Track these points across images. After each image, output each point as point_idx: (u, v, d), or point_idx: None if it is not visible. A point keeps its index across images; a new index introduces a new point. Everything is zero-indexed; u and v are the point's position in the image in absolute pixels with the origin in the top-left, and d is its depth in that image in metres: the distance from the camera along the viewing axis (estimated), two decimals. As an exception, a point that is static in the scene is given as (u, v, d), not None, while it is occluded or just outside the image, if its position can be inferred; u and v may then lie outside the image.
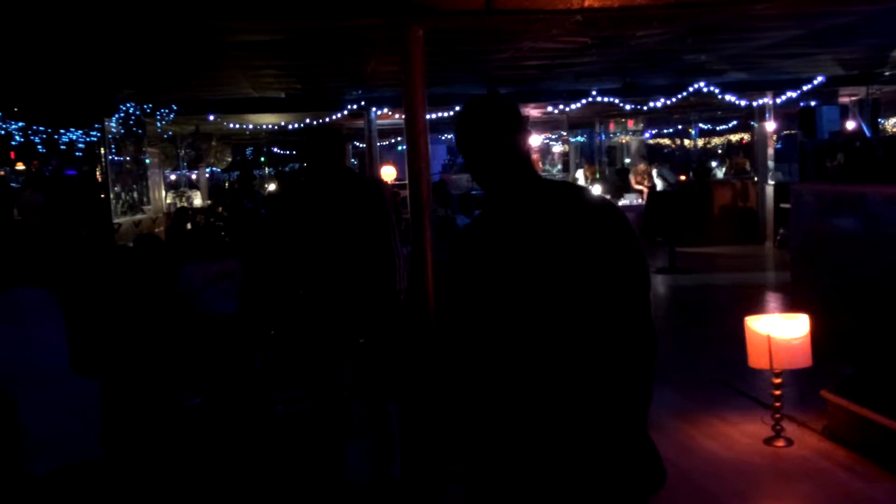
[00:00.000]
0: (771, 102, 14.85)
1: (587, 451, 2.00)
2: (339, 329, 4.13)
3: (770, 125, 15.20)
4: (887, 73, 13.25)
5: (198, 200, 18.41)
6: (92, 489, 4.57)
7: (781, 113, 15.65)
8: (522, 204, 2.08)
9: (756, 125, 15.69)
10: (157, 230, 14.43)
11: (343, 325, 4.13)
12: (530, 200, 2.08)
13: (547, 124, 19.46)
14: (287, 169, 29.53)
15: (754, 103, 15.02)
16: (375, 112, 13.87)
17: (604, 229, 2.04)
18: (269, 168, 27.61)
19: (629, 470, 2.03)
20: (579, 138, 21.94)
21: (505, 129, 2.12)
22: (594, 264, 2.00)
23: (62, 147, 14.58)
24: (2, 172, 17.06)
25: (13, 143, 14.05)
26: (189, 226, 11.30)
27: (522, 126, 2.17)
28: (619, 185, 16.84)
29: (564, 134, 20.53)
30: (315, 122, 14.49)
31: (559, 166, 21.61)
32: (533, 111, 17.12)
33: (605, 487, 2.00)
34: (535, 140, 19.63)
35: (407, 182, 6.66)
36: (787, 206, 10.65)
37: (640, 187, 15.57)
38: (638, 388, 2.06)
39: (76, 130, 14.04)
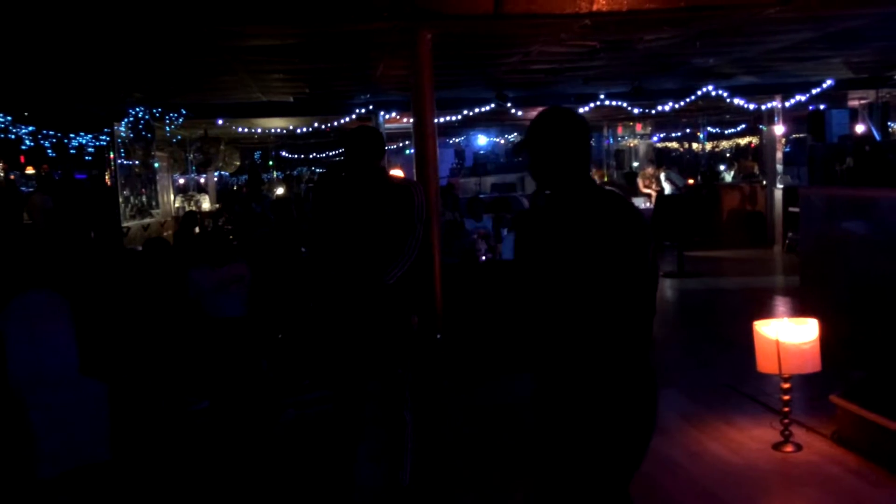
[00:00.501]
0: (780, 106, 14.80)
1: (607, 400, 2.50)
2: (351, 336, 4.08)
3: (779, 129, 15.15)
4: (897, 77, 13.20)
5: (206, 204, 18.48)
6: (100, 493, 4.58)
7: (790, 116, 15.59)
8: (574, 206, 2.50)
9: (765, 129, 15.64)
10: (165, 234, 14.49)
11: (355, 332, 4.06)
12: (580, 204, 2.50)
13: (555, 128, 19.42)
14: (295, 173, 29.45)
15: (763, 107, 14.98)
16: (384, 116, 13.89)
17: (623, 234, 2.44)
18: (277, 172, 27.67)
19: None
20: (587, 142, 21.89)
21: (573, 140, 2.51)
22: (610, 260, 2.41)
23: (72, 151, 14.67)
24: (12, 176, 17.14)
25: (23, 147, 14.13)
26: (197, 230, 11.33)
27: (587, 139, 2.55)
28: (628, 188, 16.79)
29: (572, 137, 20.50)
30: (323, 126, 14.53)
31: (567, 170, 21.58)
32: (541, 115, 17.12)
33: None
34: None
35: (415, 186, 6.67)
36: (795, 209, 10.62)
37: (648, 191, 15.54)
38: (634, 357, 2.52)
39: (86, 135, 14.12)
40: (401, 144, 22.63)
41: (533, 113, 15.57)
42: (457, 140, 24.61)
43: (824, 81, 13.41)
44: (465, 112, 13.69)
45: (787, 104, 14.62)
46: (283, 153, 27.00)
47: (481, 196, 13.94)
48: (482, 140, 22.94)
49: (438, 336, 6.30)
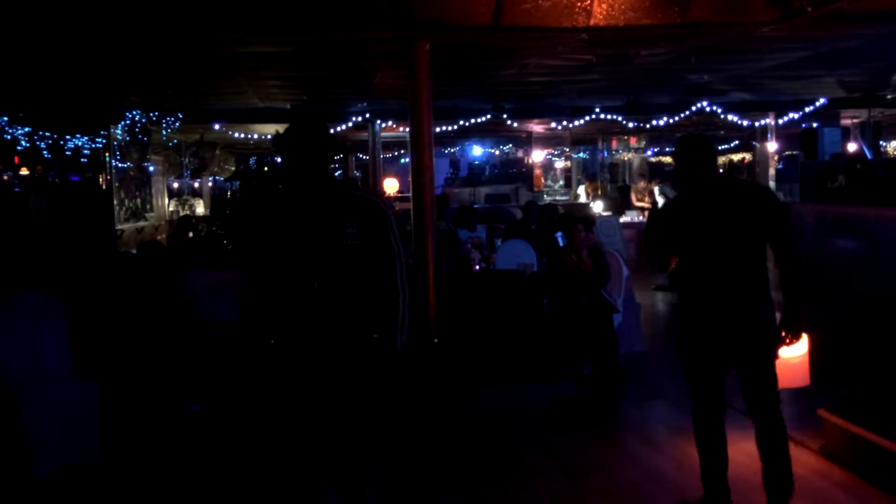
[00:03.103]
0: (773, 123, 14.92)
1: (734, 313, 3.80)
2: (317, 393, 3.23)
3: (772, 145, 15.26)
4: (889, 97, 13.34)
5: (200, 209, 18.48)
6: (91, 494, 4.58)
7: (783, 133, 15.71)
8: (706, 190, 3.85)
9: (758, 145, 15.76)
10: (159, 237, 14.48)
11: (323, 389, 3.22)
12: (711, 187, 3.85)
13: (550, 140, 19.55)
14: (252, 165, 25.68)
15: (756, 123, 15.10)
16: (380, 124, 13.94)
17: (755, 200, 3.79)
18: (271, 178, 27.50)
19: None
20: (582, 154, 22.03)
21: (711, 153, 3.91)
22: (748, 218, 3.73)
23: (67, 153, 14.64)
24: (6, 177, 17.09)
25: (19, 148, 14.10)
26: (191, 234, 11.34)
27: (715, 150, 3.96)
28: (621, 202, 16.88)
29: (567, 150, 20.62)
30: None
31: (561, 181, 21.67)
32: (536, 126, 17.21)
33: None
34: (538, 155, 19.72)
35: (411, 195, 6.72)
36: (787, 226, 10.64)
37: (641, 204, 15.61)
38: (796, 276, 3.80)
39: (82, 137, 14.10)
40: (396, 153, 22.69)
41: (528, 124, 15.70)
42: (452, 150, 24.68)
43: (817, 100, 13.54)
44: (462, 122, 13.75)
45: (780, 121, 14.74)
46: (279, 159, 26.73)
47: (475, 206, 13.99)
48: (477, 150, 23.02)
49: (436, 341, 6.29)
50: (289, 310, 3.20)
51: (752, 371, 3.87)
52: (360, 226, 3.15)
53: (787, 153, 19.13)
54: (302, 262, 3.15)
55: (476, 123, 13.81)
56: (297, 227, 3.17)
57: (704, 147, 3.91)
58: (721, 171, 24.14)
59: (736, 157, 24.16)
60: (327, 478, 3.41)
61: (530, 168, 20.24)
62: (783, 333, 3.81)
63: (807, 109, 13.76)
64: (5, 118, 12.47)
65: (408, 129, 6.71)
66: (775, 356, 3.87)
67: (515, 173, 24.69)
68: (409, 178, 6.71)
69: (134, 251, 9.13)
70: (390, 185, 17.70)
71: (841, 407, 4.76)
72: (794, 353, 4.58)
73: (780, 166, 17.48)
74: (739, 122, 14.55)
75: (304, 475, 3.32)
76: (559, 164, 22.10)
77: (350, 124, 13.71)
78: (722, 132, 20.19)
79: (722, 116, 13.95)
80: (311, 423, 3.26)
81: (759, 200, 3.79)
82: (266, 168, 26.78)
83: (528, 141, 19.72)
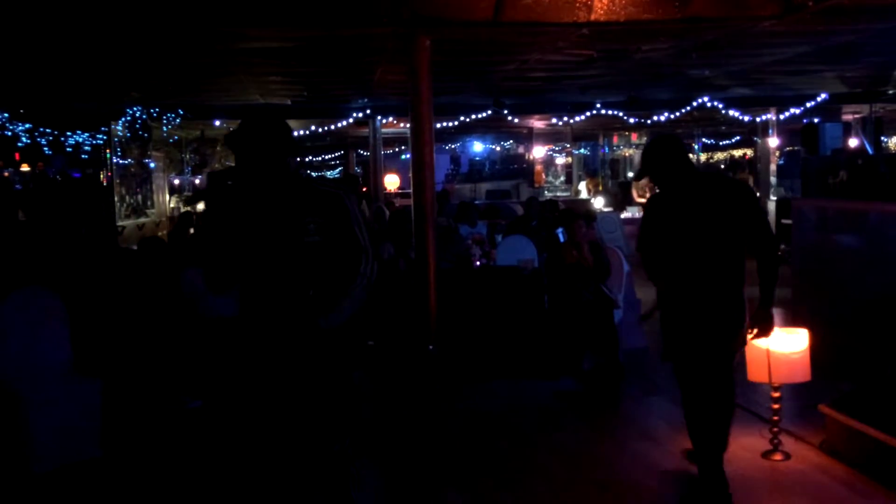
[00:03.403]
0: (774, 118, 14.89)
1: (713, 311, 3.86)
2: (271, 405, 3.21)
3: (773, 141, 15.24)
4: (891, 92, 13.32)
5: (201, 205, 18.46)
6: (92, 489, 4.59)
7: (785, 129, 15.69)
8: (681, 188, 3.92)
9: (759, 141, 15.74)
10: (160, 234, 14.47)
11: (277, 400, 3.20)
12: (687, 185, 3.92)
13: (551, 136, 19.50)
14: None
15: (758, 119, 15.08)
16: (381, 120, 13.93)
17: (731, 193, 3.87)
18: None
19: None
20: (583, 150, 21.99)
21: (683, 151, 4.00)
22: (726, 211, 3.80)
23: (68, 149, 14.63)
24: (6, 174, 17.08)
25: (19, 144, 14.09)
26: (192, 230, 11.34)
27: (685, 149, 4.04)
28: (622, 198, 16.88)
29: (568, 146, 20.58)
30: (320, 130, 14.55)
31: (562, 177, 21.62)
32: (537, 122, 17.19)
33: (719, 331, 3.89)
34: (539, 151, 19.70)
35: (411, 191, 6.72)
36: (788, 221, 10.68)
37: (642, 200, 15.61)
38: (771, 270, 3.89)
39: (82, 133, 14.10)
40: (397, 149, 22.67)
41: (529, 120, 15.70)
42: (453, 146, 24.65)
43: (818, 95, 13.52)
44: (462, 118, 13.74)
45: (781, 117, 14.71)
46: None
47: (476, 202, 13.97)
48: (478, 146, 22.98)
49: (431, 347, 6.31)
50: (260, 311, 3.13)
51: (715, 359, 3.94)
52: (321, 220, 3.03)
53: (788, 149, 19.11)
54: (263, 261, 3.05)
55: (477, 119, 13.80)
56: (255, 225, 3.05)
57: (677, 146, 3.93)
58: (713, 167, 24.38)
59: (737, 153, 24.13)
60: (314, 485, 3.39)
61: (531, 164, 20.19)
62: (756, 326, 3.92)
63: (808, 105, 13.74)
64: (6, 114, 12.48)
65: (408, 126, 6.71)
66: (742, 347, 4.04)
67: (516, 169, 24.65)
68: (410, 175, 6.71)
69: (135, 247, 9.13)
70: (391, 182, 17.70)
71: (842, 402, 4.76)
72: (795, 349, 4.58)
73: (782, 162, 17.46)
74: (740, 117, 14.53)
75: (293, 479, 3.32)
76: (560, 159, 22.01)
77: (351, 120, 13.70)
78: (723, 128, 20.15)
79: (723, 112, 13.94)
80: (283, 437, 3.22)
81: (735, 194, 3.83)
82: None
83: (528, 137, 19.68)
